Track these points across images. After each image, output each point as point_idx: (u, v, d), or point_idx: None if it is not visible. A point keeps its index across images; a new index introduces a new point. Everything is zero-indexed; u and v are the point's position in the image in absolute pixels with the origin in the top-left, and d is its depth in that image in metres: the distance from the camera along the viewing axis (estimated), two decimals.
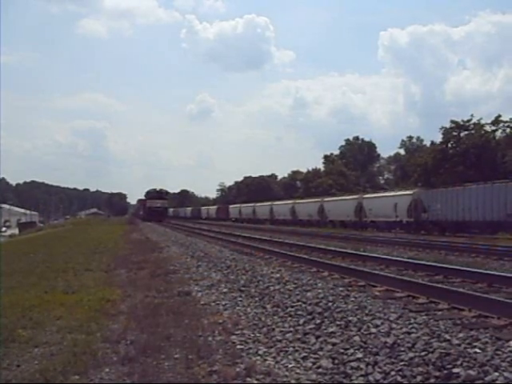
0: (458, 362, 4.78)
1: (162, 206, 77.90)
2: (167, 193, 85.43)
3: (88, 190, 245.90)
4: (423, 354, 5.08)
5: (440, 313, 7.48)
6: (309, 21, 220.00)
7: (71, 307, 8.29)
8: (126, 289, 10.35)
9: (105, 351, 5.87)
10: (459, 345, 5.24)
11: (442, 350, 5.05)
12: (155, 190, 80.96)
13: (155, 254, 18.60)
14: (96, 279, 11.90)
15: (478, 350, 5.06)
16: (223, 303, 8.73)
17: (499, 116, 59.09)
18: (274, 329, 6.78)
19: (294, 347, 5.93)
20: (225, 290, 10.05)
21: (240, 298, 9.10)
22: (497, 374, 4.50)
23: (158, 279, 11.74)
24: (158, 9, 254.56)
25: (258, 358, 5.64)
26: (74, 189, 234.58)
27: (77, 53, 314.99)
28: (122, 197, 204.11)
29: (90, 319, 7.39)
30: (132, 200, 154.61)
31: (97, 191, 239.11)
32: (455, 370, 4.65)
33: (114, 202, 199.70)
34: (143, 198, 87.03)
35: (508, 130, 58.38)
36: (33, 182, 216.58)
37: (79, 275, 12.66)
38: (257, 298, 8.94)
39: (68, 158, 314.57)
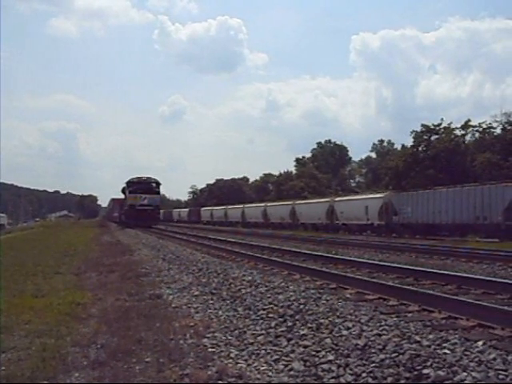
0: (428, 363, 4.82)
1: (152, 205, 52.28)
2: (159, 184, 55.15)
3: (58, 192, 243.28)
4: (394, 355, 5.11)
5: (410, 315, 7.56)
6: (281, 23, 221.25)
7: (40, 311, 8.18)
8: (97, 292, 10.25)
9: (74, 355, 5.80)
10: (429, 346, 5.29)
11: (413, 352, 5.09)
12: (141, 178, 54.28)
13: (126, 256, 18.45)
14: (66, 282, 11.76)
15: (448, 351, 5.11)
16: (195, 306, 8.69)
17: (469, 120, 59.86)
18: (245, 331, 6.77)
19: (265, 350, 5.92)
20: (196, 293, 10.01)
21: (211, 301, 9.07)
22: (465, 374, 4.55)
23: (129, 282, 11.65)
24: (130, 9, 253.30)
25: (230, 360, 5.62)
26: (44, 191, 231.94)
27: (47, 53, 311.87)
28: (92, 199, 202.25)
29: (60, 323, 7.30)
30: (103, 202, 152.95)
31: (67, 193, 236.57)
32: (425, 371, 4.69)
33: (85, 205, 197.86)
34: (121, 195, 62.51)
35: (477, 134, 59.19)
36: (1, 183, 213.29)
37: (49, 278, 12.50)
38: (228, 301, 8.93)
39: (38, 159, 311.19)
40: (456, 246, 24.46)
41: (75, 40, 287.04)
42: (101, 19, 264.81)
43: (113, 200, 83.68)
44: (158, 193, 56.18)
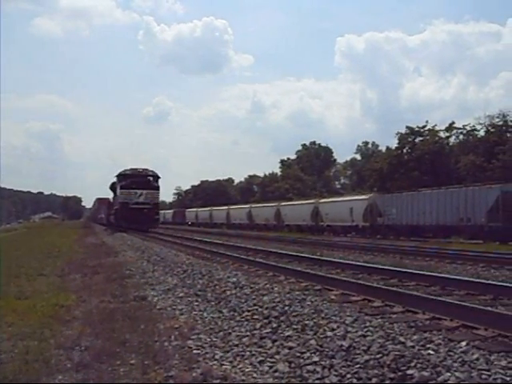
0: (412, 364, 4.85)
1: (150, 202, 43.15)
2: (157, 177, 45.48)
3: (42, 193, 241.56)
4: (378, 356, 5.14)
5: (395, 316, 7.59)
6: (267, 25, 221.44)
7: (23, 313, 8.11)
8: (81, 294, 10.19)
9: (58, 358, 5.76)
10: (413, 347, 5.32)
11: (397, 353, 5.12)
12: (136, 170, 44.65)
13: (111, 258, 18.36)
14: (50, 284, 11.68)
15: (432, 352, 5.14)
16: (179, 308, 8.67)
17: (453, 123, 60.41)
18: (230, 333, 6.77)
19: (250, 351, 5.92)
20: (181, 295, 9.99)
21: (196, 303, 9.06)
22: (449, 374, 4.58)
23: (114, 284, 11.59)
24: (115, 9, 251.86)
25: (215, 362, 5.61)
26: (28, 192, 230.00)
27: (30, 53, 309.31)
28: (77, 200, 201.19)
29: (43, 325, 7.24)
30: (87, 203, 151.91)
31: (51, 194, 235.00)
32: (409, 372, 4.71)
33: (69, 206, 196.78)
34: (108, 194, 55.52)
35: (461, 136, 59.65)
36: None
37: (32, 280, 12.40)
38: (213, 303, 8.92)
39: (21, 160, 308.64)
40: (440, 247, 24.63)
41: (60, 40, 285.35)
42: (85, 19, 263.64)
43: (98, 200, 77.69)
44: (157, 188, 44.75)
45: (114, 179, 47.62)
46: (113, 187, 50.22)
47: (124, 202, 42.44)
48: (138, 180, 43.30)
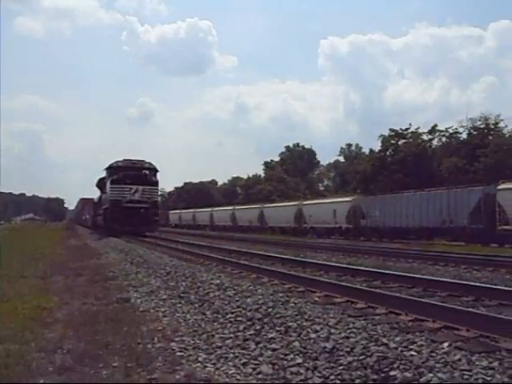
0: (395, 365, 4.88)
1: (148, 201, 36.74)
2: (156, 171, 38.99)
3: (24, 194, 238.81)
4: (361, 357, 5.16)
5: (378, 317, 7.62)
6: (251, 26, 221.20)
7: (4, 316, 8.02)
8: (63, 296, 10.11)
9: (40, 361, 5.70)
10: (396, 348, 5.35)
11: (380, 354, 5.14)
12: (131, 162, 37.99)
13: (93, 260, 18.25)
14: (31, 286, 11.57)
15: (414, 353, 5.17)
16: (163, 310, 8.64)
17: (436, 125, 60.91)
18: (213, 335, 6.76)
19: (234, 353, 5.91)
20: (164, 297, 9.96)
21: (180, 305, 9.03)
22: (431, 375, 4.61)
23: (97, 286, 11.52)
24: (99, 9, 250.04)
25: (198, 364, 5.60)
26: (10, 193, 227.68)
27: (12, 53, 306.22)
28: (59, 202, 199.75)
29: (25, 328, 7.17)
30: (70, 205, 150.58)
31: (33, 196, 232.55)
32: (392, 373, 4.74)
33: (52, 208, 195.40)
34: (93, 193, 50.27)
35: (444, 139, 60.09)
36: None
37: (14, 282, 12.27)
38: (197, 305, 8.90)
39: (3, 161, 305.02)
40: (423, 249, 24.78)
41: (42, 40, 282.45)
42: (69, 19, 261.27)
43: (82, 200, 73.87)
44: (156, 183, 38.62)
45: (103, 174, 41.40)
46: (101, 183, 44.07)
47: (115, 200, 35.87)
48: (133, 173, 36.85)
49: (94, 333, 6.90)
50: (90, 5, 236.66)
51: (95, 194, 50.71)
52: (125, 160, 38.11)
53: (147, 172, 38.11)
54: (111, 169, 38.17)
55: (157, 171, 38.73)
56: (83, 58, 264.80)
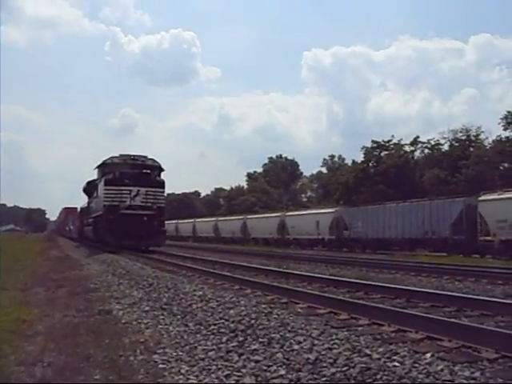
0: (378, 376, 4.87)
1: (153, 206, 29.89)
2: (161, 169, 31.95)
3: (4, 205, 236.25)
4: (345, 369, 5.15)
5: (361, 328, 7.62)
6: (235, 38, 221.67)
7: None
8: (44, 308, 10.01)
9: (19, 375, 5.63)
10: (379, 359, 5.35)
11: (363, 365, 5.14)
12: (130, 157, 31.30)
13: (75, 271, 18.10)
14: (11, 298, 11.44)
15: (397, 364, 5.18)
16: (145, 322, 8.57)
17: (418, 137, 61.55)
18: (196, 347, 6.71)
19: (216, 365, 5.87)
20: (147, 309, 9.89)
21: (162, 317, 8.97)
22: None
23: (78, 298, 11.42)
24: (82, 19, 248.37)
25: (181, 376, 5.55)
26: None
27: None
28: (41, 213, 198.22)
29: (4, 341, 7.08)
30: (52, 216, 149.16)
31: (14, 206, 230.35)
32: None
33: (33, 218, 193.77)
34: (79, 200, 45.34)
35: (426, 150, 60.63)
36: None
37: None
38: (179, 316, 8.85)
39: None
40: (405, 260, 24.89)
41: (24, 49, 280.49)
42: (51, 28, 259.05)
43: (65, 210, 69.43)
44: (162, 185, 31.05)
45: (94, 175, 35.21)
46: (90, 187, 38.41)
47: (111, 206, 28.79)
48: (133, 172, 29.91)
49: (75, 345, 6.83)
50: (74, 14, 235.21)
51: (78, 203, 47.83)
52: (122, 155, 31.10)
53: (150, 170, 30.82)
54: (105, 166, 31.14)
55: (162, 170, 31.61)
56: (66, 68, 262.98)
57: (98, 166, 32.74)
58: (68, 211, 65.02)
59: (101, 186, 31.21)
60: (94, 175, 35.52)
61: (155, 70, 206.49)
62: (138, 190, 29.14)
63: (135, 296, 11.58)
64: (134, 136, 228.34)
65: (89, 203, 40.74)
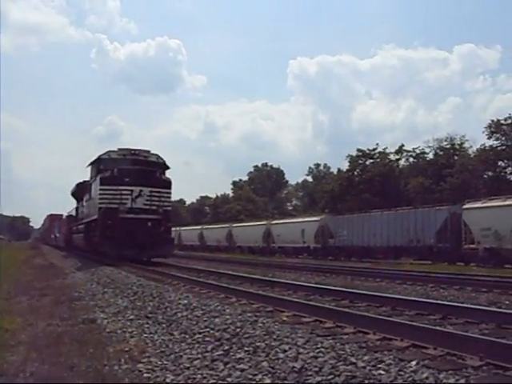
0: None
1: (158, 210, 25.69)
2: (166, 167, 27.83)
3: None
4: (330, 377, 5.14)
5: (346, 336, 7.61)
6: (221, 46, 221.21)
7: None
8: (27, 317, 9.91)
9: None
10: (364, 367, 5.35)
11: (348, 373, 5.13)
12: (130, 152, 26.91)
13: (59, 279, 17.97)
14: None
15: (383, 372, 5.18)
16: (130, 330, 8.51)
17: (402, 145, 62.07)
18: (181, 356, 6.67)
19: (201, 374, 5.84)
20: (131, 317, 9.82)
21: (147, 325, 8.92)
22: None
23: (62, 306, 11.32)
24: (68, 26, 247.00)
25: None
26: None
27: None
28: (25, 221, 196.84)
29: None
30: (36, 224, 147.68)
31: None
32: None
33: (17, 226, 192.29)
34: (67, 205, 41.11)
35: (411, 159, 61.06)
36: None
37: None
38: (164, 325, 8.80)
39: None
40: (391, 268, 24.97)
41: (10, 56, 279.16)
42: (37, 35, 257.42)
43: (50, 217, 66.30)
44: (168, 185, 26.87)
45: (86, 174, 30.59)
46: (80, 189, 34.69)
47: (108, 209, 24.62)
48: (135, 169, 25.53)
49: (58, 355, 6.76)
50: (60, 21, 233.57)
51: (64, 211, 45.41)
52: (121, 150, 26.95)
53: (155, 168, 26.65)
54: (101, 162, 26.82)
55: (167, 167, 27.71)
56: (51, 74, 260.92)
57: (92, 163, 28.11)
58: (53, 218, 61.82)
59: (95, 185, 26.63)
60: (84, 176, 32.06)
61: (141, 77, 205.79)
62: (141, 191, 24.96)
63: (120, 305, 11.51)
64: (119, 144, 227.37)
65: (78, 208, 36.91)
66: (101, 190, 25.34)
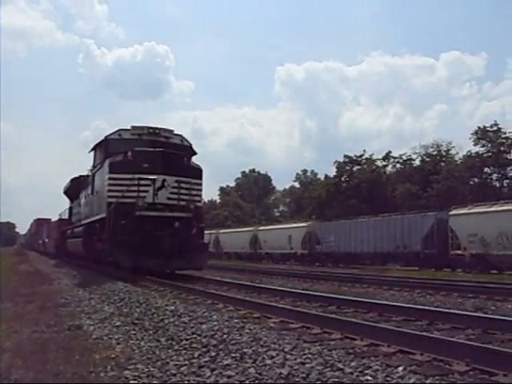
0: None
1: (188, 205, 19.61)
2: (193, 152, 21.81)
3: None
4: (317, 383, 5.14)
5: (333, 342, 7.61)
6: (209, 52, 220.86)
7: None
8: (12, 324, 9.82)
9: None
10: (352, 373, 5.35)
11: (336, 379, 5.14)
12: (148, 130, 20.43)
13: (45, 286, 17.83)
14: None
15: (370, 378, 5.19)
16: (116, 337, 8.46)
17: (389, 152, 62.39)
18: (168, 362, 6.64)
19: (188, 381, 5.81)
20: (118, 324, 9.76)
21: (133, 332, 8.86)
22: None
23: (48, 313, 11.24)
24: (56, 31, 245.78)
25: None
26: None
27: None
28: (10, 226, 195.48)
29: None
30: (22, 230, 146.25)
31: None
32: None
33: (2, 232, 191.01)
34: (66, 197, 34.76)
35: (398, 165, 61.35)
36: None
37: None
38: (151, 331, 8.75)
39: None
40: (378, 274, 25.03)
41: None
42: (24, 40, 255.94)
43: (37, 221, 62.63)
44: (199, 174, 21.29)
45: (88, 161, 24.34)
46: (76, 185, 29.49)
47: (121, 205, 18.69)
48: (156, 153, 19.46)
49: (44, 362, 6.71)
50: (47, 26, 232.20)
51: (51, 215, 41.68)
52: (136, 128, 20.74)
53: (180, 152, 20.53)
54: (109, 144, 20.74)
55: (194, 153, 21.98)
56: (38, 79, 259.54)
57: (97, 146, 22.18)
58: (40, 222, 56.92)
59: (102, 174, 20.62)
60: (81, 171, 28.00)
61: (128, 82, 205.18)
62: (165, 180, 18.98)
63: (106, 311, 11.45)
64: None
65: (73, 208, 31.61)
66: (110, 179, 19.14)
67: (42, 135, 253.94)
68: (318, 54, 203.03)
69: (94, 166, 23.23)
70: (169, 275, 19.29)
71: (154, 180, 18.85)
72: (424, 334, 7.52)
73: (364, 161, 61.48)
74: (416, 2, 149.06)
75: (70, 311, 11.62)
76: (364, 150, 62.65)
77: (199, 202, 21.10)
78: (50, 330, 9.14)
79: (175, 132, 21.67)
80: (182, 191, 19.64)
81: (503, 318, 9.31)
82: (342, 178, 62.00)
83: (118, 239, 18.29)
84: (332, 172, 64.59)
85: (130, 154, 19.34)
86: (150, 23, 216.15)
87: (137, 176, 18.80)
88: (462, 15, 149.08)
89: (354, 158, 62.08)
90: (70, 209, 33.56)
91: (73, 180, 31.05)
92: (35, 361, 6.77)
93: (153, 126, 20.87)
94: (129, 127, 20.71)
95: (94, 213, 21.95)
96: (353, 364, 5.73)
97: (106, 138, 20.95)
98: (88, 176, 25.25)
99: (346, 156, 62.73)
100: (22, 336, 8.64)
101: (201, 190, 21.00)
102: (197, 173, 20.86)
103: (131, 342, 8.09)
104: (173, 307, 10.82)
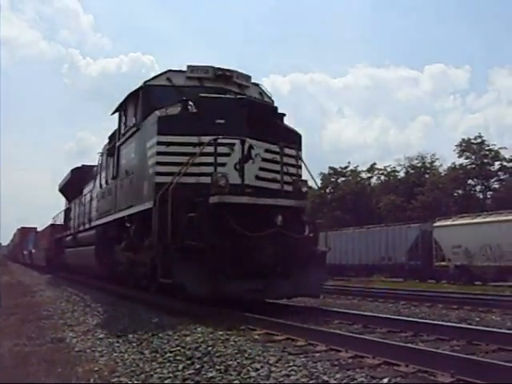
0: None
1: (295, 190, 11.84)
2: (283, 114, 12.94)
3: None
4: None
5: (318, 354, 7.57)
6: (194, 62, 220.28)
7: None
8: None
9: None
10: None
11: None
12: (215, 72, 12.69)
13: (27, 298, 17.68)
14: None
15: None
16: (99, 350, 8.38)
17: (374, 164, 62.69)
18: (152, 375, 6.58)
19: None
20: (101, 336, 9.68)
21: (117, 344, 8.78)
22: None
23: (30, 325, 11.12)
24: (41, 41, 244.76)
25: None
26: None
27: None
28: None
29: None
30: (4, 241, 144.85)
31: None
32: None
33: None
34: (61, 194, 28.48)
35: (382, 177, 61.70)
36: None
37: None
38: (135, 344, 8.68)
39: None
40: (363, 286, 25.07)
41: None
42: (8, 49, 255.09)
43: (21, 230, 56.11)
44: (299, 142, 13.33)
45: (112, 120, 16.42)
46: (78, 178, 23.47)
47: (183, 187, 10.82)
48: (233, 102, 11.97)
49: (25, 375, 6.62)
50: (32, 35, 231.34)
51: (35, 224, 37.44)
52: (194, 68, 13.21)
53: (272, 107, 13.68)
54: (150, 93, 13.21)
55: (283, 114, 13.58)
56: (22, 89, 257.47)
57: (129, 98, 14.34)
58: (25, 232, 51.36)
59: (141, 140, 12.99)
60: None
61: (113, 93, 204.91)
62: (251, 148, 11.52)
63: (90, 323, 11.35)
64: (90, 160, 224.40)
65: (72, 208, 25.39)
66: (161, 143, 11.62)
67: (25, 146, 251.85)
68: (303, 65, 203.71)
69: (119, 136, 15.49)
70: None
71: (234, 145, 11.39)
72: (409, 345, 7.52)
73: (349, 172, 61.86)
74: (400, 15, 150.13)
75: (53, 323, 11.51)
76: (349, 162, 63.17)
77: (304, 186, 13.01)
78: (32, 343, 9.03)
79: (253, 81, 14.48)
80: (285, 166, 12.37)
81: (487, 329, 9.35)
82: (327, 190, 62.25)
83: (183, 246, 10.76)
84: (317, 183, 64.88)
85: (192, 103, 12.05)
86: (135, 34, 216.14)
87: (208, 138, 11.30)
88: (446, 29, 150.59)
89: (339, 169, 62.45)
90: (66, 211, 27.36)
91: (73, 171, 24.90)
92: (16, 374, 6.69)
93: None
94: (183, 68, 13.39)
95: (119, 206, 14.81)
96: (338, 376, 5.72)
97: (145, 83, 13.45)
98: (94, 166, 19.94)
99: (330, 167, 63.17)
100: (3, 349, 8.53)
101: (301, 166, 13.22)
102: (296, 138, 13.62)
103: (115, 354, 8.00)
104: (157, 319, 10.71)
